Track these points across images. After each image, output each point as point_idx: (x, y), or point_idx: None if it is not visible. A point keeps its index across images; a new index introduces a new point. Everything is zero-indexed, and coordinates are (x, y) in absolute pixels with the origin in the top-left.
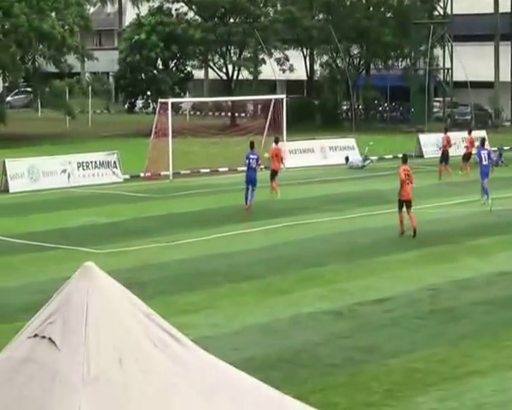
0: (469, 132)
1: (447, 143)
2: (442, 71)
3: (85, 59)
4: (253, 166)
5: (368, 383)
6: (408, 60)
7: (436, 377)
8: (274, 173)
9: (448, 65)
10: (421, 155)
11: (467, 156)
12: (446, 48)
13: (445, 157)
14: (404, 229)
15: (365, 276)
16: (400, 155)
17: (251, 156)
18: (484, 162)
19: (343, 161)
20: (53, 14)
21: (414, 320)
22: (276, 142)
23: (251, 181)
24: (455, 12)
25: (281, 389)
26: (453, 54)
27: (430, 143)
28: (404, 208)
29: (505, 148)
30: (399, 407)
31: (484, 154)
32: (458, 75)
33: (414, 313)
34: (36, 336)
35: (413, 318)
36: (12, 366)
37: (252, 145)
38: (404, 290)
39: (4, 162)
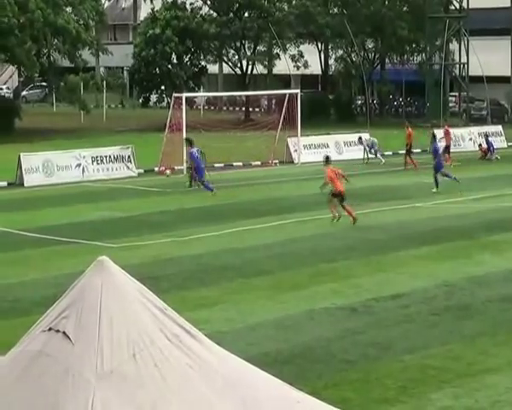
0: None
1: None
2: (458, 65)
3: (100, 53)
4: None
5: (382, 380)
6: (423, 54)
7: (451, 373)
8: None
9: (464, 59)
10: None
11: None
12: (462, 42)
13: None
14: (354, 218)
15: (380, 272)
16: (416, 150)
17: (193, 150)
18: (440, 153)
19: (358, 156)
20: (68, 9)
21: (429, 317)
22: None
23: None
24: (471, 6)
25: (294, 385)
26: (469, 48)
27: None
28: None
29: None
30: (413, 403)
31: (437, 147)
32: (474, 70)
33: (429, 310)
34: (50, 329)
35: (428, 314)
36: (26, 359)
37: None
38: (419, 286)
39: (19, 156)
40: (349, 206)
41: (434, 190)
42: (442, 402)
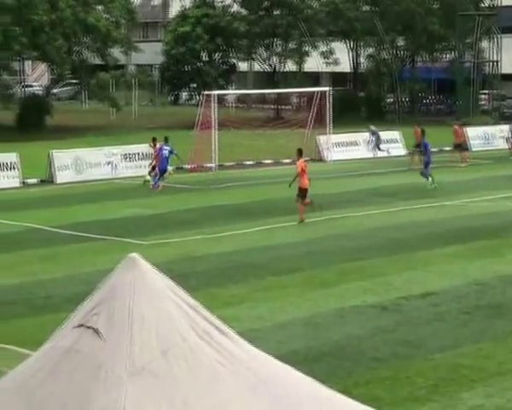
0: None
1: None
2: (489, 63)
3: (130, 51)
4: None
5: (413, 378)
6: (454, 52)
7: (482, 372)
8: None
9: (495, 57)
10: (467, 149)
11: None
12: (493, 40)
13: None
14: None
15: (409, 270)
16: (450, 148)
17: (164, 147)
18: (430, 150)
19: (386, 154)
20: (99, 7)
21: (460, 315)
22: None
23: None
24: (502, 3)
25: (324, 383)
26: (501, 46)
27: (476, 136)
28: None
29: None
30: (444, 402)
31: (427, 143)
32: (506, 68)
33: (460, 308)
34: (81, 326)
35: (459, 313)
36: (58, 355)
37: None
38: (449, 285)
39: (50, 154)
40: (303, 206)
41: (433, 185)
42: (473, 401)
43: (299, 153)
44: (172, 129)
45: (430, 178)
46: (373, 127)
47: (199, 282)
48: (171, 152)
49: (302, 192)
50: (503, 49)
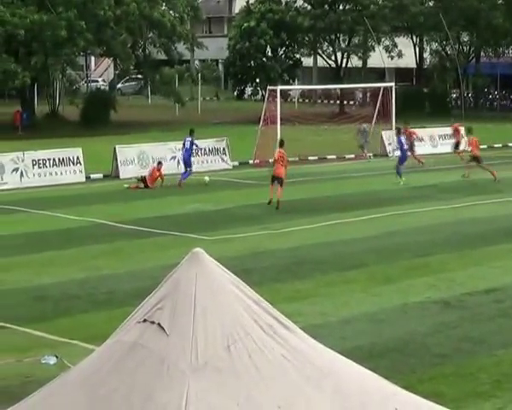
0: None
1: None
2: None
3: (194, 48)
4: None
5: (476, 374)
6: None
7: None
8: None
9: None
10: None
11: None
12: None
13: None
14: (271, 199)
15: (474, 266)
16: (511, 144)
17: (187, 139)
18: (405, 147)
19: (452, 149)
20: (163, 3)
21: None
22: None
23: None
24: None
25: (389, 379)
26: None
27: None
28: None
29: None
30: (508, 398)
31: (403, 140)
32: None
33: None
34: (145, 321)
35: None
36: (122, 350)
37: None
38: None
39: (115, 148)
40: (274, 188)
41: (401, 182)
42: None
43: (281, 144)
44: (237, 124)
45: (400, 176)
46: (365, 125)
47: (262, 277)
48: (192, 144)
49: (274, 178)
50: None
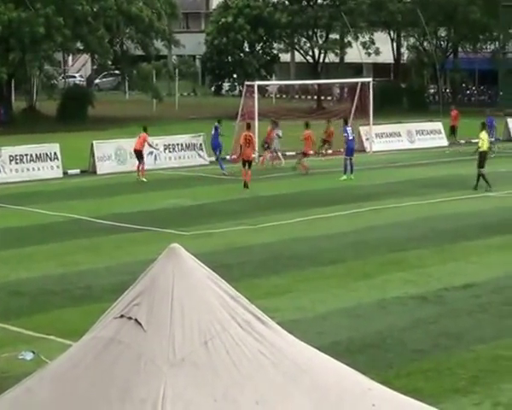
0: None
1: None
2: None
3: (171, 45)
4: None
5: (454, 369)
6: (497, 43)
7: None
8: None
9: None
10: (509, 139)
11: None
12: None
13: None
14: (245, 182)
15: (451, 261)
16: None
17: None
18: (350, 138)
19: (429, 145)
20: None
21: (501, 307)
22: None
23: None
24: None
25: (366, 374)
26: None
27: None
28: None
29: None
30: (485, 393)
31: (349, 131)
32: None
33: (501, 300)
34: (122, 316)
35: (500, 304)
36: (99, 345)
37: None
38: (490, 276)
39: (92, 144)
40: (247, 173)
41: (344, 177)
42: None
43: (248, 126)
44: (214, 119)
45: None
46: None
47: (241, 272)
48: (216, 129)
49: (244, 162)
50: None
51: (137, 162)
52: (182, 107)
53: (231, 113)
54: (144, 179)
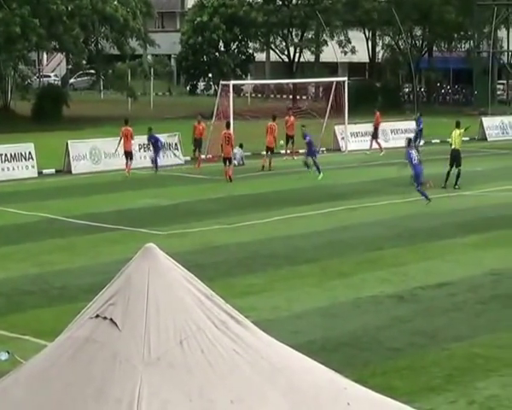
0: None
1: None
2: (506, 53)
3: (146, 44)
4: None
5: (429, 368)
6: (471, 42)
7: (498, 362)
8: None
9: None
10: (484, 138)
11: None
12: (511, 30)
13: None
14: (228, 178)
15: (426, 260)
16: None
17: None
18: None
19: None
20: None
21: (476, 305)
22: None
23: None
24: None
25: (341, 373)
26: None
27: (493, 126)
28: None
29: None
30: (460, 391)
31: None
32: None
33: (476, 298)
34: (98, 316)
35: (475, 303)
36: (74, 345)
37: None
38: (465, 275)
39: (67, 144)
40: (228, 169)
41: (321, 176)
42: (489, 391)
43: (227, 125)
44: (189, 119)
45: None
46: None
47: (216, 272)
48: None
49: (225, 159)
50: None
51: (126, 161)
52: (157, 106)
53: (206, 112)
54: (127, 175)
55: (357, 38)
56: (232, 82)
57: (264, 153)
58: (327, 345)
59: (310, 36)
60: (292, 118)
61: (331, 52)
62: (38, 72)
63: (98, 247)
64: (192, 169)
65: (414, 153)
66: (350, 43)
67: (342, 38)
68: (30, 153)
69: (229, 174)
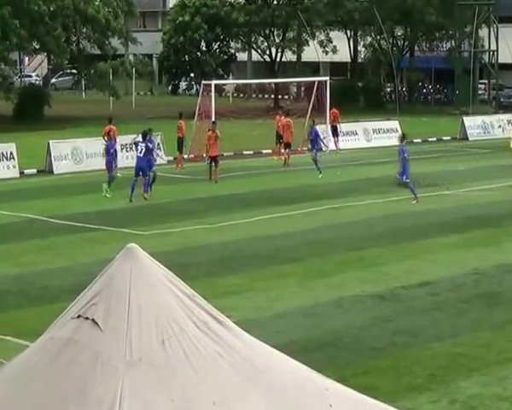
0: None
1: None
2: (487, 53)
3: (128, 43)
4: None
5: (411, 367)
6: (452, 41)
7: (480, 361)
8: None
9: (493, 47)
10: (465, 138)
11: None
12: (492, 29)
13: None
14: (211, 177)
15: (408, 259)
16: (445, 138)
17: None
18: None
19: (386, 144)
20: None
21: (458, 304)
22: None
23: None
24: None
25: (323, 372)
26: (498, 35)
27: (475, 125)
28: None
29: None
30: (442, 391)
31: (318, 131)
32: (504, 57)
33: (458, 297)
34: (79, 317)
35: (457, 302)
36: (56, 345)
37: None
38: (447, 274)
39: (49, 144)
40: (215, 171)
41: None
42: (471, 390)
43: (213, 123)
44: (171, 119)
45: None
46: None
47: (198, 272)
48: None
49: (213, 159)
50: (501, 38)
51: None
52: (139, 106)
53: (188, 112)
54: (119, 174)
55: (339, 38)
56: (214, 82)
57: (282, 149)
58: (309, 345)
59: (291, 36)
60: (283, 118)
61: (313, 52)
62: (20, 72)
63: (79, 247)
64: (174, 169)
65: (407, 149)
66: (331, 42)
67: (323, 37)
68: (11, 153)
69: (216, 176)
